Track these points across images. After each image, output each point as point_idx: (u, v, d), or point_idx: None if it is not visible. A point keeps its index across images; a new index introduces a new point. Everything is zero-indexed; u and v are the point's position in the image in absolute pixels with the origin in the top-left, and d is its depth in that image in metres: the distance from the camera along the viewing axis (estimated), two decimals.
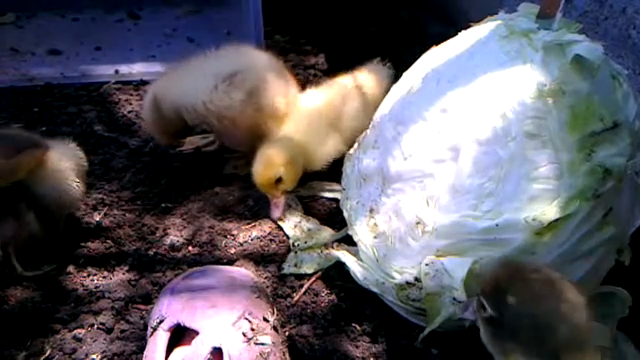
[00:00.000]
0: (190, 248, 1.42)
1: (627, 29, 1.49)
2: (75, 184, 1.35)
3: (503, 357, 0.80)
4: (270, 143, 1.50)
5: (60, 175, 1.34)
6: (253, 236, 1.45)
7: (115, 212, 1.51)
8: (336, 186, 1.53)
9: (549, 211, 1.10)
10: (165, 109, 1.58)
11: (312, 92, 1.65)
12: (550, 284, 0.81)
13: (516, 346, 0.77)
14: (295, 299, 1.30)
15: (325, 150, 1.55)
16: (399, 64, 1.56)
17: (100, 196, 1.55)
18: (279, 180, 1.47)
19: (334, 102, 1.60)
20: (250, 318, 1.09)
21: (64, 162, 1.35)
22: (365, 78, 1.68)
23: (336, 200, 1.51)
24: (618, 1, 1.51)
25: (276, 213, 1.49)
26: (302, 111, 1.59)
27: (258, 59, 1.61)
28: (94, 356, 1.17)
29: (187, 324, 1.08)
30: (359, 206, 1.34)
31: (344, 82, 1.66)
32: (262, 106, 1.54)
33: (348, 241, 1.38)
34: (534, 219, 1.10)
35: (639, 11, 1.46)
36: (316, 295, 1.31)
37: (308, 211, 1.53)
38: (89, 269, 1.35)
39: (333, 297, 1.31)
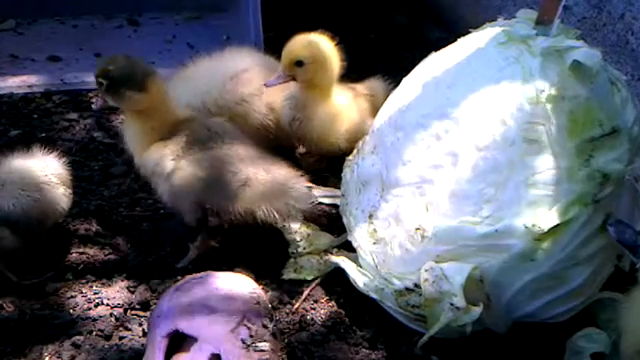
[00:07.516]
0: (189, 254, 1.41)
1: (625, 35, 1.49)
2: (38, 196, 1.30)
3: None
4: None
5: (19, 189, 1.29)
6: (252, 242, 1.44)
7: (114, 218, 1.50)
8: (336, 192, 1.53)
9: (548, 217, 1.10)
10: None
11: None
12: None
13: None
14: (295, 306, 1.29)
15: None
16: (398, 70, 1.56)
17: (99, 202, 1.55)
18: (300, 64, 1.42)
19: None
20: (249, 325, 1.09)
21: (15, 176, 1.31)
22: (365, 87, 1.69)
23: (335, 206, 1.50)
24: (616, 7, 1.51)
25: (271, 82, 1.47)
26: None
27: (265, 60, 1.65)
28: None
29: (186, 331, 1.08)
30: (358, 212, 1.34)
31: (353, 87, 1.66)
32: (271, 103, 1.56)
33: (348, 247, 1.38)
34: (534, 225, 1.10)
35: (637, 17, 1.46)
36: (315, 301, 1.31)
37: (307, 217, 1.53)
38: (88, 276, 1.35)
39: (332, 303, 1.30)
